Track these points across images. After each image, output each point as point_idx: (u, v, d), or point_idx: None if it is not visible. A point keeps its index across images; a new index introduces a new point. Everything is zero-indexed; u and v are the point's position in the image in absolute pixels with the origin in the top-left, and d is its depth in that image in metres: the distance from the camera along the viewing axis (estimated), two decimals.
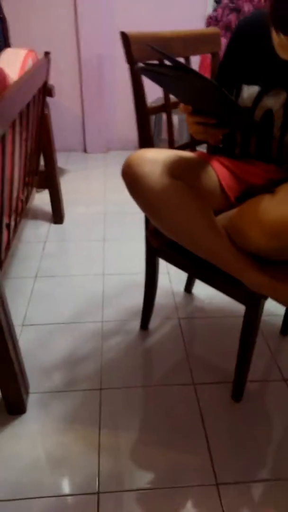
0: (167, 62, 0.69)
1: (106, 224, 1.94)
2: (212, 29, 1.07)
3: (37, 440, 0.94)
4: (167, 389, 1.08)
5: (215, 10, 2.46)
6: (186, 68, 0.63)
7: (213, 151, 1.15)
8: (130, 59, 0.90)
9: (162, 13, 2.50)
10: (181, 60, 0.91)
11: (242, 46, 0.91)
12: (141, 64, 0.69)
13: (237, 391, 1.03)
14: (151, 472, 0.88)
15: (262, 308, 0.90)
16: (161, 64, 0.77)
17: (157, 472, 0.88)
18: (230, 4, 2.40)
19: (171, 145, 1.05)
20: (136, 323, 1.31)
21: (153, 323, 1.31)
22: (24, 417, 1.00)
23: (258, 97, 0.88)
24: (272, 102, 0.86)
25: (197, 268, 0.95)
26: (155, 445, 0.93)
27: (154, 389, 1.08)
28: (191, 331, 1.29)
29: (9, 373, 0.93)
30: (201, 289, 1.46)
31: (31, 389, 1.07)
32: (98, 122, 2.81)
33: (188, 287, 1.45)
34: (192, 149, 1.10)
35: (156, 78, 0.71)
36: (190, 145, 1.10)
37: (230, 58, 0.94)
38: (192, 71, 0.63)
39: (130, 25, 2.45)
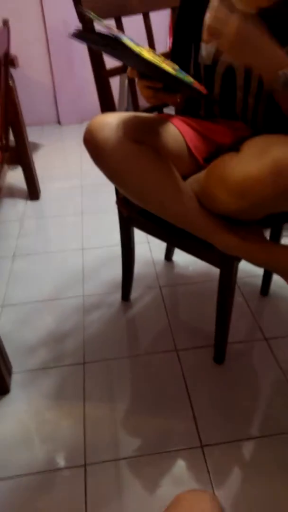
0: (102, 30, 0.63)
1: (83, 197, 1.90)
2: None
3: (22, 418, 0.95)
4: (150, 358, 1.09)
5: None
6: (118, 42, 0.58)
7: (179, 112, 1.10)
8: (83, 18, 0.84)
9: None
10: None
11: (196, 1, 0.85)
12: (74, 30, 0.63)
13: (219, 354, 1.05)
14: (137, 440, 0.89)
15: (236, 269, 0.89)
16: (94, 32, 0.71)
17: (143, 439, 0.90)
18: None
19: (136, 108, 1.00)
20: (118, 295, 1.30)
21: (134, 293, 1.30)
22: (8, 396, 1.00)
23: (218, 53, 0.83)
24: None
25: (170, 234, 0.93)
26: (140, 413, 0.95)
27: (137, 358, 1.09)
28: (172, 298, 1.29)
29: None
30: (181, 256, 1.45)
31: (14, 369, 1.07)
32: (70, 92, 2.70)
33: (168, 255, 1.44)
34: (159, 111, 1.05)
35: (93, 44, 0.66)
36: (156, 108, 1.05)
37: (185, 13, 0.88)
38: (126, 47, 0.58)
39: None
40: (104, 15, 0.87)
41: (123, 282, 1.25)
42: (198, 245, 0.87)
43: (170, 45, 0.96)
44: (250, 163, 0.67)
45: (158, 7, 0.99)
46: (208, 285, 1.33)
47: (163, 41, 2.48)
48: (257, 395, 0.98)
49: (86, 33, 0.65)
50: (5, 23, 1.54)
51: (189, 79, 0.72)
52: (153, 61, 0.61)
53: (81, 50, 2.58)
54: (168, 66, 0.66)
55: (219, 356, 1.05)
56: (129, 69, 0.72)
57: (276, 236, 1.10)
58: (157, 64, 0.62)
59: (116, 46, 0.59)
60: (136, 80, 0.75)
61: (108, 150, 0.74)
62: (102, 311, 1.25)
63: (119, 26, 0.92)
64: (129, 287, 1.26)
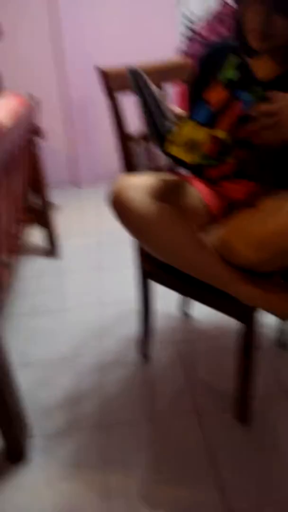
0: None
1: (101, 254, 1.94)
2: (182, 59, 1.11)
3: (42, 490, 0.89)
4: (171, 420, 1.03)
5: (184, 43, 2.59)
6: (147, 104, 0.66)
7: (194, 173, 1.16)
8: (106, 89, 0.93)
9: (138, 50, 2.63)
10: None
11: (207, 72, 0.93)
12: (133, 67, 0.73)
13: (242, 413, 0.99)
14: None
15: (257, 322, 0.87)
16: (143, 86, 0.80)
17: None
18: (200, 39, 2.53)
19: (153, 169, 1.06)
20: (135, 353, 1.27)
21: (152, 350, 1.27)
22: (27, 464, 0.95)
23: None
24: None
25: (190, 287, 0.93)
26: (162, 483, 0.88)
27: (157, 421, 1.03)
28: (190, 354, 1.25)
29: (8, 418, 0.89)
30: (198, 310, 1.43)
31: (33, 432, 1.02)
32: (89, 158, 2.88)
33: (185, 309, 1.42)
34: (174, 171, 1.11)
35: (139, 91, 0.76)
36: (171, 168, 1.11)
37: (198, 84, 0.96)
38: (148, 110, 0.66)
39: (108, 62, 2.56)
40: (124, 87, 0.96)
41: (141, 338, 1.23)
42: (219, 298, 0.86)
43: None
44: (268, 218, 0.70)
45: (172, 79, 1.08)
46: (227, 339, 1.29)
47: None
48: (285, 459, 0.90)
49: (139, 80, 0.72)
50: (35, 99, 1.71)
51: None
52: (175, 155, 0.67)
53: (99, 120, 2.80)
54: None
55: (243, 415, 0.99)
56: None
57: None
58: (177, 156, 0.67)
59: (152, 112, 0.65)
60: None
61: (132, 209, 0.79)
62: (119, 370, 1.21)
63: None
64: (148, 343, 1.24)
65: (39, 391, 1.16)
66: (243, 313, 0.85)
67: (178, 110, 0.90)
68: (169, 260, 0.85)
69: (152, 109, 0.75)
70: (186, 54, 2.56)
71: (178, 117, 0.82)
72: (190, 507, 0.83)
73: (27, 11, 2.44)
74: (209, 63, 0.92)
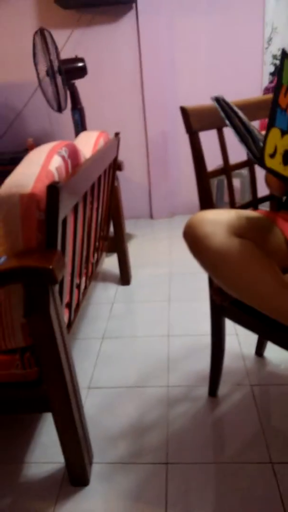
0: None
1: (171, 284, 1.95)
2: (267, 96, 1.11)
3: None
4: (241, 468, 0.97)
5: (271, 82, 2.59)
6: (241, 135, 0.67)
7: (277, 208, 1.13)
8: (190, 129, 0.96)
9: (221, 88, 2.68)
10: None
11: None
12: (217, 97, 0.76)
13: None
14: None
15: None
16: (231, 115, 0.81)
17: None
18: None
19: (232, 205, 1.06)
20: (204, 389, 1.23)
21: (222, 389, 1.22)
22: (87, 489, 0.95)
23: None
24: None
25: (266, 328, 0.89)
26: None
27: (226, 466, 0.98)
28: (265, 400, 1.17)
29: (74, 440, 0.92)
30: (274, 352, 1.35)
31: (94, 459, 1.03)
32: (163, 190, 2.97)
33: (259, 350, 1.35)
34: (255, 208, 1.09)
35: (227, 118, 0.77)
36: (252, 204, 1.10)
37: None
38: (244, 140, 0.66)
39: (190, 102, 2.65)
40: (207, 127, 0.99)
41: (211, 376, 1.19)
42: None
43: None
44: None
45: (258, 117, 1.09)
46: None
47: None
48: None
49: (224, 105, 0.74)
50: (116, 135, 1.83)
51: None
52: (274, 169, 0.66)
53: (175, 155, 2.88)
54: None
55: None
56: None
57: None
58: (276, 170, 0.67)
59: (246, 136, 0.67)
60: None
61: (210, 244, 0.78)
62: (188, 406, 1.18)
63: (220, 135, 1.02)
64: (217, 382, 1.19)
65: (104, 417, 1.17)
66: None
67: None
68: (244, 299, 0.82)
69: (242, 132, 0.75)
70: (270, 88, 2.57)
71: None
72: None
73: (111, 49, 2.65)
74: None
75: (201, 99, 2.67)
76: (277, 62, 2.54)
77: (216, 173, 1.03)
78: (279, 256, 0.86)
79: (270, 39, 2.51)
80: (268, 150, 0.67)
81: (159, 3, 2.48)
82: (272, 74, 2.58)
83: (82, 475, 0.96)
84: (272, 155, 0.68)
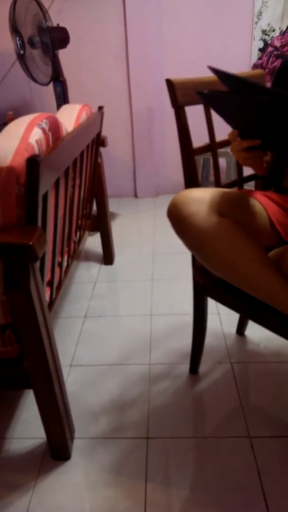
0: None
1: (154, 264, 1.95)
2: (256, 71, 1.09)
3: (81, 491, 0.90)
4: (220, 442, 0.99)
5: (260, 58, 2.54)
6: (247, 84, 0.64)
7: (262, 187, 1.12)
8: (176, 103, 0.93)
9: (209, 64, 2.62)
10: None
11: (286, 84, 0.91)
12: (204, 92, 0.72)
13: None
14: None
15: None
16: (221, 92, 0.78)
17: None
18: (275, 52, 2.48)
19: (218, 184, 1.05)
20: (185, 367, 1.25)
21: (203, 367, 1.24)
22: (68, 464, 0.96)
23: None
24: None
25: (248, 307, 0.90)
26: (207, 506, 0.85)
27: (205, 441, 1.00)
28: (245, 377, 1.20)
29: (55, 416, 0.92)
30: (255, 330, 1.37)
31: (76, 434, 1.04)
32: (148, 169, 2.92)
33: (240, 329, 1.37)
34: (240, 187, 1.09)
35: (214, 103, 0.74)
36: (237, 183, 1.09)
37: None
38: (255, 85, 0.64)
39: (177, 76, 2.59)
40: (193, 101, 0.96)
41: (193, 353, 1.20)
42: (279, 320, 0.82)
43: None
44: None
45: None
46: (285, 366, 1.22)
47: None
48: None
49: (215, 93, 0.72)
50: (100, 108, 1.77)
51: None
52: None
53: (161, 132, 2.83)
54: None
55: None
56: (230, 132, 0.77)
57: None
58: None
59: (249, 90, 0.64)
60: (231, 145, 0.79)
61: (194, 223, 0.77)
62: (169, 382, 1.20)
63: (207, 111, 1.00)
64: (199, 359, 1.21)
65: (86, 394, 1.18)
66: None
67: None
68: (227, 278, 0.82)
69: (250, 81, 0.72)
70: (261, 67, 2.53)
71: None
72: None
73: (94, 19, 2.54)
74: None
75: (189, 74, 2.61)
76: (267, 37, 2.49)
77: (202, 150, 1.01)
78: (262, 235, 0.86)
79: (260, 13, 2.44)
80: None
81: None
82: (261, 50, 2.53)
83: (64, 449, 0.97)
84: None
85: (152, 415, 1.08)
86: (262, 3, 2.42)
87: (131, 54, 2.58)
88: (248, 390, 1.15)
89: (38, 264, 0.83)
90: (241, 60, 2.60)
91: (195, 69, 2.62)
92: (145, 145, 2.85)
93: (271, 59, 2.52)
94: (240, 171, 1.09)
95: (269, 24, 2.45)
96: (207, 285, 1.00)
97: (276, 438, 0.99)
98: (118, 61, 2.64)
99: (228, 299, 0.95)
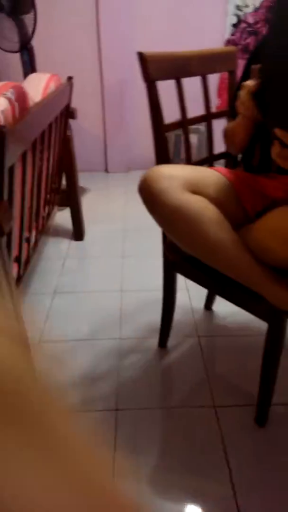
0: None
1: (125, 240, 1.95)
2: (228, 48, 1.08)
3: None
4: (187, 411, 1.04)
5: (233, 34, 2.51)
6: None
7: (232, 165, 1.14)
8: (147, 77, 0.91)
9: (181, 38, 2.56)
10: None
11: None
12: None
13: (261, 415, 0.98)
14: (169, 502, 0.83)
15: (285, 325, 0.85)
16: None
17: (176, 501, 0.83)
18: (248, 28, 2.45)
19: (189, 161, 1.05)
20: (154, 341, 1.28)
21: (172, 341, 1.28)
22: None
23: None
24: None
25: (216, 283, 0.92)
26: (174, 472, 0.89)
27: (172, 411, 1.04)
28: (211, 350, 1.24)
29: None
30: (222, 305, 1.42)
31: None
32: (120, 143, 2.87)
33: (208, 304, 1.41)
34: (210, 164, 1.09)
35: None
36: (208, 161, 1.09)
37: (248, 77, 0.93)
38: None
39: (149, 49, 2.52)
40: (165, 76, 0.94)
41: (161, 328, 1.23)
42: (246, 296, 0.85)
43: (219, 105, 1.01)
44: None
45: (216, 70, 1.06)
46: (250, 339, 1.28)
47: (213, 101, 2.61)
48: None
49: None
50: (69, 79, 1.70)
51: None
52: None
53: (133, 106, 2.77)
54: None
55: (262, 418, 0.98)
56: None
57: None
58: None
59: None
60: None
61: (165, 199, 0.78)
62: (138, 356, 1.23)
63: (179, 86, 0.98)
64: (167, 334, 1.24)
65: (56, 369, 1.18)
66: (271, 313, 0.84)
67: None
68: (196, 254, 0.84)
69: None
70: (232, 41, 2.49)
71: None
72: (199, 497, 0.84)
73: None
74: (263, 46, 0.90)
75: (162, 47, 2.55)
76: (240, 13, 2.45)
77: (173, 126, 1.00)
78: (231, 212, 0.87)
79: None
80: None
81: None
82: (234, 25, 2.49)
83: None
84: None
85: (121, 388, 1.11)
86: None
87: (102, 24, 2.47)
88: (214, 362, 1.20)
89: (4, 239, 0.81)
90: (214, 35, 2.56)
91: (168, 43, 2.55)
92: (116, 119, 2.78)
93: (244, 36, 2.49)
94: (211, 148, 1.10)
95: (242, 0, 2.41)
96: (176, 261, 1.02)
97: (239, 407, 1.04)
98: (88, 31, 2.52)
99: (197, 276, 0.97)
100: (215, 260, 0.81)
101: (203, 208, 0.79)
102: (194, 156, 2.46)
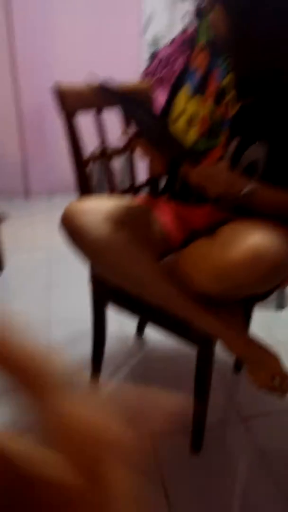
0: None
1: (51, 270, 1.88)
2: (143, 82, 1.12)
3: None
4: None
5: (149, 66, 2.64)
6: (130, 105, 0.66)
7: (155, 194, 1.16)
8: (64, 110, 0.90)
9: (98, 65, 2.61)
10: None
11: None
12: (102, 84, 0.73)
13: (196, 440, 0.99)
14: None
15: (214, 349, 0.88)
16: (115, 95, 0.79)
17: None
18: (163, 60, 2.60)
19: (112, 191, 1.05)
20: (87, 374, 1.24)
21: (105, 371, 1.25)
22: None
23: None
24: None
25: (145, 311, 0.93)
26: None
27: None
28: (144, 377, 1.24)
29: None
30: (154, 331, 1.43)
31: None
32: (42, 166, 2.80)
33: (140, 330, 1.41)
34: (135, 192, 1.11)
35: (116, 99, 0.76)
36: (131, 189, 1.11)
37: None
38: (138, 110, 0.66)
39: (67, 75, 2.53)
40: (85, 108, 0.94)
41: (93, 361, 1.20)
42: (176, 323, 0.86)
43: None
44: (228, 249, 0.70)
45: None
46: (182, 363, 1.30)
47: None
48: (235, 482, 0.92)
49: (112, 91, 0.71)
50: None
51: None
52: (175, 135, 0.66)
53: (55, 128, 2.74)
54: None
55: (197, 443, 0.99)
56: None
57: (247, 313, 1.13)
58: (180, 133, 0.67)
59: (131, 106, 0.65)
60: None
61: (88, 235, 0.77)
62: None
63: (98, 119, 0.99)
64: (99, 365, 1.21)
65: None
66: (200, 338, 0.86)
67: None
68: (123, 285, 0.84)
69: (136, 110, 0.74)
70: (148, 72, 2.60)
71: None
72: None
73: None
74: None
75: (78, 75, 2.58)
76: (155, 46, 2.58)
77: (94, 159, 1.00)
78: (155, 242, 0.89)
79: (149, 19, 2.53)
80: (174, 113, 0.67)
81: None
82: (150, 57, 2.62)
83: None
84: (175, 119, 0.68)
85: None
86: (151, 12, 2.50)
87: (19, 51, 2.43)
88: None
89: None
90: (129, 66, 2.66)
91: (85, 69, 2.58)
92: (37, 142, 2.72)
93: (159, 68, 2.63)
94: (133, 178, 1.11)
95: (157, 33, 2.55)
96: (104, 291, 1.00)
97: (175, 434, 1.04)
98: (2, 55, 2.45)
99: (126, 304, 0.96)
100: (140, 291, 0.83)
101: (127, 241, 0.79)
102: (122, 178, 2.45)
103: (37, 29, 2.43)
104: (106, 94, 0.72)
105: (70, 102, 0.89)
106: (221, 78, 0.68)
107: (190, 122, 0.68)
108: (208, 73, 0.66)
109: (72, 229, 0.78)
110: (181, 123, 0.67)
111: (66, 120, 0.90)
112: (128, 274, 0.80)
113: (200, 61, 0.65)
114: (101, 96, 0.74)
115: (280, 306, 1.59)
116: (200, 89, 0.65)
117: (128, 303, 0.95)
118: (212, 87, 0.66)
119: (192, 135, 0.70)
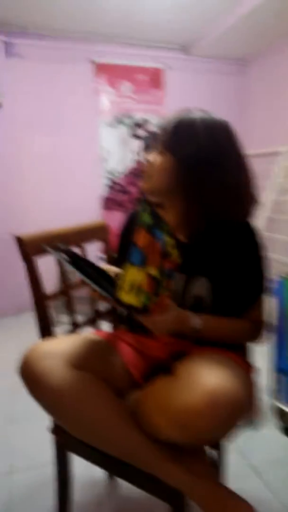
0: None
1: (15, 400, 1.74)
2: (99, 221, 1.21)
3: None
4: None
5: (108, 193, 2.97)
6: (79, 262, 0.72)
7: (117, 324, 1.17)
8: (26, 257, 0.95)
9: (65, 193, 2.86)
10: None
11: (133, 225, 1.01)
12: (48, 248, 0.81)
13: None
14: None
15: (186, 505, 0.80)
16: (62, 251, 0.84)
17: None
18: (120, 189, 2.96)
19: (74, 325, 1.06)
20: None
21: None
22: None
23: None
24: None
25: (110, 462, 0.85)
26: None
27: None
28: None
29: None
30: None
31: None
32: (9, 285, 2.80)
33: (110, 475, 1.27)
34: (94, 325, 1.11)
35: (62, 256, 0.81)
36: (91, 322, 1.11)
37: (128, 233, 1.02)
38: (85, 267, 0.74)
39: (35, 207, 2.73)
40: (45, 253, 0.99)
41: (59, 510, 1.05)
42: (143, 477, 0.79)
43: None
44: (186, 395, 0.68)
45: (91, 240, 1.15)
46: (157, 509, 1.16)
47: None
48: None
49: (67, 254, 0.79)
50: None
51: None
52: (127, 302, 0.73)
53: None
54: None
55: None
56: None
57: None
58: (128, 302, 0.73)
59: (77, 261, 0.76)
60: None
61: (47, 381, 0.74)
62: None
63: (59, 264, 1.04)
64: None
65: None
66: (170, 494, 0.78)
67: (111, 268, 0.95)
68: (84, 438, 0.79)
69: (90, 272, 0.78)
70: (110, 199, 2.88)
71: (115, 273, 0.88)
72: None
73: None
74: (134, 218, 1.03)
75: (46, 202, 2.79)
76: (113, 176, 2.91)
77: (56, 296, 1.02)
78: (118, 379, 0.87)
79: (107, 153, 2.88)
80: (122, 284, 0.73)
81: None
82: (109, 187, 2.94)
83: None
84: (125, 289, 0.73)
85: None
86: (106, 149, 2.88)
87: None
88: None
89: None
90: (92, 192, 2.93)
91: (52, 200, 2.81)
92: (4, 261, 2.77)
93: (118, 194, 2.97)
94: (94, 309, 1.13)
95: (113, 167, 2.90)
96: (67, 442, 0.93)
97: None
98: None
99: (89, 454, 0.88)
100: (102, 444, 0.77)
101: (87, 387, 0.77)
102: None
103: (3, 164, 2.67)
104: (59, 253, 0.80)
105: (30, 248, 0.94)
106: (163, 246, 0.77)
107: (136, 288, 0.75)
108: (150, 248, 0.75)
109: (32, 376, 0.76)
110: (127, 289, 0.73)
111: (27, 263, 0.94)
112: (89, 424, 0.76)
113: (141, 240, 0.74)
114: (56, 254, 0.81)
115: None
116: (143, 263, 0.74)
117: (91, 453, 0.86)
118: (155, 257, 0.75)
119: (140, 299, 0.75)
